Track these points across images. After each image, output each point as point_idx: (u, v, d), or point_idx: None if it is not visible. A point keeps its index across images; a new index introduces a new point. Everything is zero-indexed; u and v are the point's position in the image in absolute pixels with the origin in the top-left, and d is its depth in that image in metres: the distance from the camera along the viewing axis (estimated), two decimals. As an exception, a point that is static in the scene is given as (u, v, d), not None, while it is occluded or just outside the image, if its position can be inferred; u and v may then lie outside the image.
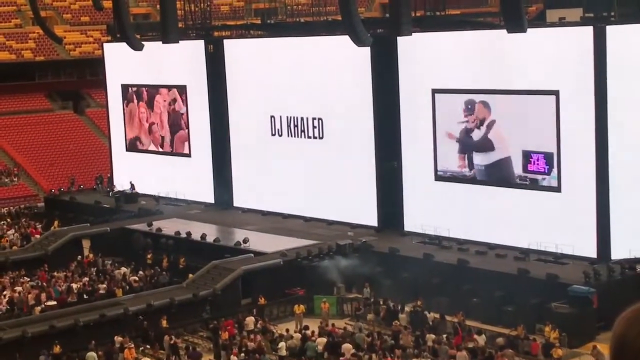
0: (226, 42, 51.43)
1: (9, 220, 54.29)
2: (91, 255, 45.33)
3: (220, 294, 37.44)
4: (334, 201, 45.14)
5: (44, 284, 40.12)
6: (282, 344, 32.37)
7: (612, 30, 35.75)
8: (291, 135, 47.38)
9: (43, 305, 37.57)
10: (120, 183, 56.49)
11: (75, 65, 71.51)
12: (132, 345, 32.33)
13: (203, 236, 43.94)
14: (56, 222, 51.35)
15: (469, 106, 39.78)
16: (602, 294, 32.55)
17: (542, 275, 34.61)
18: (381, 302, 36.31)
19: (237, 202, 50.72)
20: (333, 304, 37.33)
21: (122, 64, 56.60)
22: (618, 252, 35.75)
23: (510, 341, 31.64)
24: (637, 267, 34.96)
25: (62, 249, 45.07)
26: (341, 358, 30.93)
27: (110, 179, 58.57)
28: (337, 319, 36.08)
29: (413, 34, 38.53)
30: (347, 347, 31.15)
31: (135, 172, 55.95)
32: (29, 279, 40.93)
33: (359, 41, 38.10)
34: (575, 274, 34.25)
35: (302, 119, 46.76)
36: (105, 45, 59.40)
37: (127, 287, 39.65)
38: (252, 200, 49.62)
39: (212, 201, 51.85)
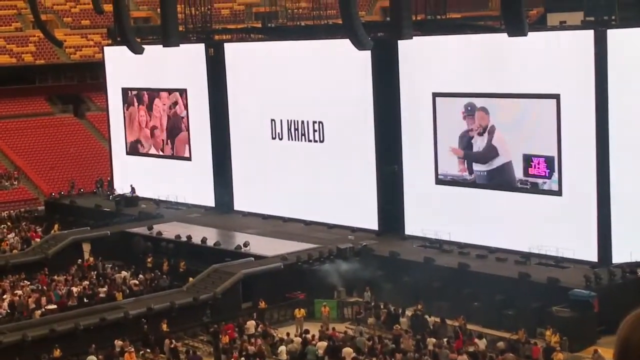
0: (227, 45, 51.44)
1: (9, 223, 54.27)
2: (91, 259, 45.31)
3: (221, 298, 37.41)
4: (334, 205, 45.10)
5: (44, 287, 40.11)
6: (282, 348, 32.34)
7: (613, 34, 35.74)
8: (292, 139, 47.38)
9: (43, 309, 37.56)
10: (121, 186, 56.51)
11: (75, 68, 71.53)
12: (132, 349, 32.28)
13: (203, 240, 43.92)
14: (56, 226, 51.36)
15: (469, 108, 39.75)
16: (603, 298, 32.53)
17: (543, 279, 34.58)
18: (382, 306, 36.28)
19: (238, 205, 50.69)
20: (333, 307, 37.29)
21: (123, 68, 56.61)
22: (619, 255, 35.73)
23: (511, 345, 31.61)
24: (638, 271, 34.94)
25: (63, 252, 45.07)
26: (342, 362, 30.92)
27: (111, 182, 58.57)
28: (337, 322, 36.05)
29: (414, 37, 38.50)
30: (347, 351, 31.12)
31: (135, 175, 55.97)
32: (29, 283, 40.90)
33: (359, 45, 38.10)
34: (576, 278, 34.22)
35: (302, 122, 46.75)
36: (106, 48, 59.42)
37: (128, 291, 39.63)
38: (253, 204, 49.61)
39: (213, 205, 51.84)
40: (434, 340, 32.13)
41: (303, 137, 46.84)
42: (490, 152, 39.30)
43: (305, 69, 46.30)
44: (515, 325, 33.14)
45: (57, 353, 32.17)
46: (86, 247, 47.20)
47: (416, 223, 41.60)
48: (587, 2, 38.44)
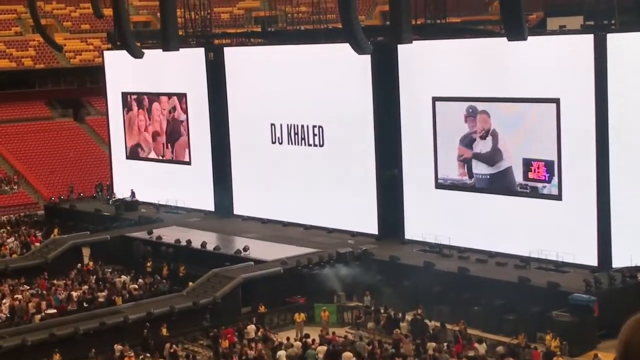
0: (226, 50, 51.46)
1: (8, 228, 54.26)
2: (91, 263, 45.26)
3: (221, 302, 37.38)
4: (334, 209, 45.10)
5: (44, 292, 40.07)
6: (282, 353, 32.30)
7: (612, 39, 35.76)
8: (291, 143, 47.39)
9: (43, 314, 37.52)
10: (120, 191, 56.51)
11: (75, 73, 71.61)
12: (132, 354, 32.25)
13: (203, 244, 43.91)
14: (56, 230, 51.34)
15: (470, 110, 39.73)
16: (603, 303, 32.50)
17: (543, 283, 34.56)
18: (382, 311, 36.26)
19: (237, 210, 50.69)
20: (333, 312, 37.28)
21: (123, 72, 56.63)
22: (619, 260, 35.69)
23: (511, 350, 31.58)
24: (638, 276, 34.91)
25: (62, 257, 45.04)
26: (341, 366, 30.88)
27: (110, 186, 58.59)
28: (337, 327, 36.02)
29: (414, 41, 38.59)
30: (347, 355, 31.08)
31: (135, 179, 55.96)
32: (28, 287, 40.88)
33: (359, 49, 38.16)
34: (576, 282, 34.20)
35: (302, 126, 46.77)
36: (106, 53, 59.45)
37: (127, 295, 39.59)
38: (252, 208, 49.61)
39: (212, 209, 51.83)
40: (433, 344, 32.09)
41: (303, 141, 46.84)
42: (496, 155, 39.27)
43: (305, 73, 46.31)
44: (515, 330, 33.13)
45: (56, 357, 32.12)
46: (86, 252, 47.17)
47: (416, 227, 41.57)
48: (586, 7, 38.50)
